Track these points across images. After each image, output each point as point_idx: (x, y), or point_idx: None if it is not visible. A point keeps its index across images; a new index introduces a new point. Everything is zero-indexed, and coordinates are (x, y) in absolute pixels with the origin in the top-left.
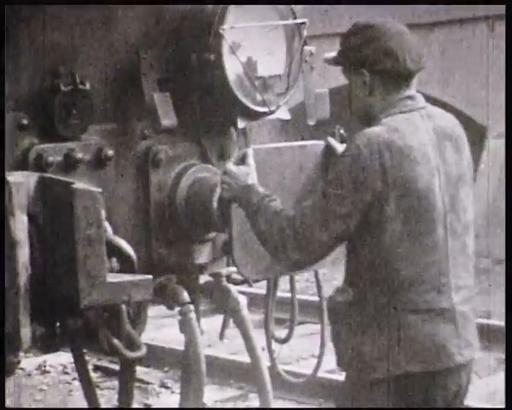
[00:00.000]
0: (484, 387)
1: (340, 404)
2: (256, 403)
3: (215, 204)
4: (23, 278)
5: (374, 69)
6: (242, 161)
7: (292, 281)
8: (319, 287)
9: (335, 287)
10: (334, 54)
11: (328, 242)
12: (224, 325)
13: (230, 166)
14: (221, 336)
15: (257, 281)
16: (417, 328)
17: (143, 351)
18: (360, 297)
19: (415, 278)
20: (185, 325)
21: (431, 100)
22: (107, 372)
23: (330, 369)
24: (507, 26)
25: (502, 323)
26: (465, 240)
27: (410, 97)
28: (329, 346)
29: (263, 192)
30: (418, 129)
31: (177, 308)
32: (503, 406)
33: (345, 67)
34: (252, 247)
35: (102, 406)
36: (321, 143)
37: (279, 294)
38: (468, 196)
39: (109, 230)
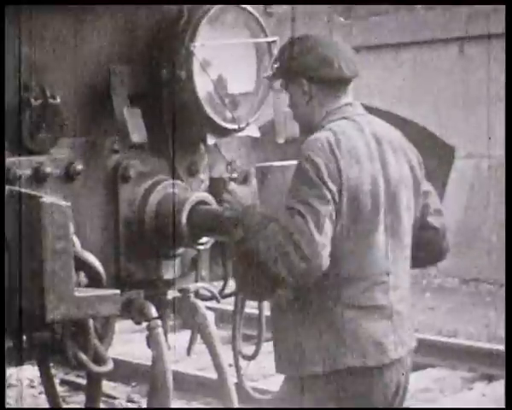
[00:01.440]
0: (449, 405)
1: (278, 404)
2: None
3: (184, 220)
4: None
5: (311, 77)
6: (245, 180)
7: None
8: None
9: None
10: (270, 71)
11: (325, 243)
12: (192, 341)
13: (233, 185)
14: (188, 351)
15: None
16: (357, 323)
17: (110, 366)
18: (301, 292)
19: (357, 274)
20: (152, 341)
21: (400, 120)
22: (73, 386)
23: None
24: (507, 27)
25: (468, 342)
26: (404, 241)
27: (350, 104)
28: None
29: (263, 213)
30: (361, 133)
31: (145, 323)
32: None
33: (283, 78)
34: (252, 267)
35: None
36: None
37: (247, 310)
38: (410, 199)
39: (77, 244)
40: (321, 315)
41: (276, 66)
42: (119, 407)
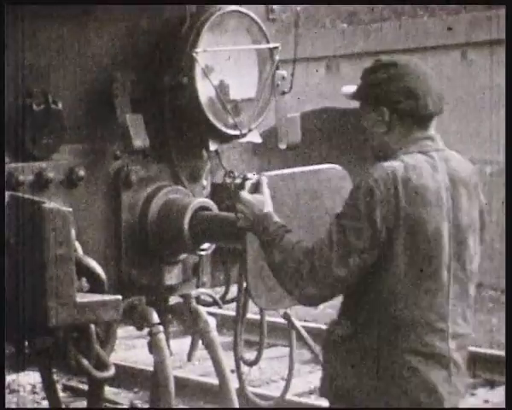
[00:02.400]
0: None
1: None
2: None
3: (186, 226)
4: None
5: (394, 108)
6: (256, 188)
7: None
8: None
9: (332, 319)
10: (353, 88)
11: (345, 277)
12: (193, 347)
13: (245, 194)
14: (189, 357)
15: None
16: (413, 369)
17: (112, 371)
18: (358, 333)
19: (415, 319)
20: (154, 346)
21: None
22: (75, 392)
23: (299, 392)
24: (507, 27)
25: (470, 348)
26: (467, 288)
27: (430, 138)
28: (298, 369)
29: (279, 222)
30: (435, 171)
31: (147, 329)
32: None
33: (364, 102)
34: (266, 276)
35: None
36: (335, 166)
37: (248, 316)
38: (476, 244)
39: (79, 249)
40: (375, 358)
41: (358, 87)
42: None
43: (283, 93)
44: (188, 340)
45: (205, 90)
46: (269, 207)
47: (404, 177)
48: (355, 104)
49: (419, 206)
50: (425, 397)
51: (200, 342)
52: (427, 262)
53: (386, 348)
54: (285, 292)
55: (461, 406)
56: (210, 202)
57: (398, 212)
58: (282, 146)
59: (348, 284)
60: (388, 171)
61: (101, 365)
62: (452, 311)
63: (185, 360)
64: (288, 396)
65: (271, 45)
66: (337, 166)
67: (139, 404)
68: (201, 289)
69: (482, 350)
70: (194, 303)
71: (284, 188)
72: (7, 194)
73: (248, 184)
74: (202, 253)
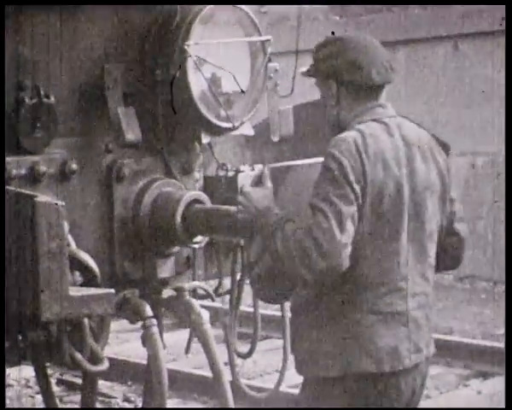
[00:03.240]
0: (445, 402)
1: (299, 405)
2: None
3: (179, 219)
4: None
5: (340, 80)
6: (259, 181)
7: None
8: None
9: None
10: (306, 67)
11: (346, 242)
12: (191, 339)
13: (247, 188)
14: (186, 350)
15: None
16: (374, 329)
17: (106, 365)
18: (321, 293)
19: (376, 279)
20: (148, 340)
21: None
22: (69, 386)
23: (293, 384)
24: (507, 26)
25: (463, 339)
26: (426, 248)
27: (381, 106)
28: (292, 360)
29: (280, 214)
30: (390, 136)
31: (140, 322)
32: None
33: (314, 77)
34: (268, 270)
35: None
36: None
37: (242, 308)
38: (435, 205)
39: (72, 243)
40: (338, 319)
41: (310, 65)
42: (116, 406)
43: (283, 97)
44: (181, 333)
45: (197, 83)
46: (271, 201)
47: (362, 143)
48: None
49: (380, 170)
50: (386, 356)
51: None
52: (389, 223)
53: (350, 308)
54: (292, 285)
55: (455, 397)
56: (203, 195)
57: (365, 176)
58: (275, 139)
59: (348, 250)
60: (349, 140)
61: (95, 358)
62: (411, 270)
63: (179, 353)
64: (282, 388)
65: (263, 38)
66: None
67: (133, 397)
68: (195, 282)
69: (475, 341)
70: (187, 296)
71: (286, 180)
72: None
73: (251, 175)
74: (195, 246)
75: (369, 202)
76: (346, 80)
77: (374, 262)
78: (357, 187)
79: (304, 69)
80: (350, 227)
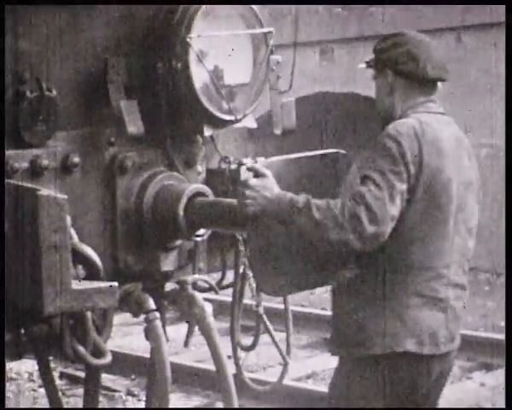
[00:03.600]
0: (448, 395)
1: (332, 387)
2: None
3: (181, 212)
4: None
5: (396, 69)
6: (257, 173)
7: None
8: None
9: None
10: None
11: (395, 215)
12: (189, 333)
13: (252, 180)
14: (186, 343)
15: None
16: (418, 311)
17: (109, 358)
18: (369, 274)
19: (424, 263)
20: (150, 333)
21: None
22: (72, 380)
23: (296, 377)
24: (507, 26)
25: (466, 331)
26: (467, 242)
27: (433, 101)
28: (295, 353)
29: (291, 197)
30: (444, 127)
31: (143, 316)
32: None
33: (373, 68)
34: (272, 263)
35: None
36: (339, 151)
37: (245, 302)
38: (475, 203)
39: (75, 237)
40: (385, 299)
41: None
42: (119, 400)
43: (281, 92)
44: (184, 326)
45: (199, 76)
46: (277, 188)
47: (420, 129)
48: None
49: (435, 156)
50: (427, 338)
51: (197, 328)
52: (439, 210)
53: (396, 290)
54: (293, 277)
55: (458, 390)
56: (205, 188)
57: (421, 160)
58: (277, 131)
59: (394, 222)
60: (408, 125)
61: (98, 352)
62: (454, 260)
63: (182, 347)
64: (286, 381)
65: (265, 30)
66: (341, 151)
67: (136, 391)
68: (197, 275)
69: (478, 333)
70: (190, 289)
71: (288, 173)
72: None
73: (244, 169)
74: (198, 239)
75: (423, 185)
76: (403, 70)
77: (423, 246)
78: (412, 168)
79: (362, 64)
80: (399, 202)
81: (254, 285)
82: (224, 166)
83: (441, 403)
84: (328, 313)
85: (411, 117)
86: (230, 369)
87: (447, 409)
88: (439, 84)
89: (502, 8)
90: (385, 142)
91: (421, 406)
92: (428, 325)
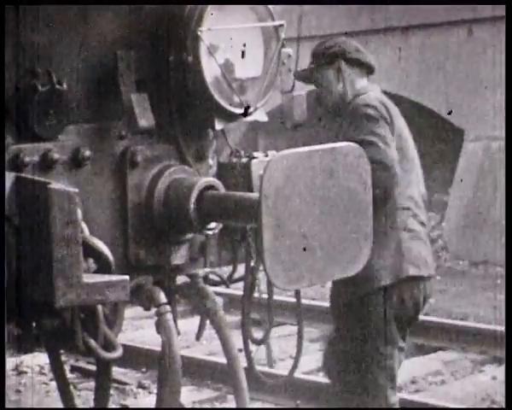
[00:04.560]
0: (460, 388)
1: (337, 322)
2: (234, 404)
3: (192, 205)
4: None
5: (347, 59)
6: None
7: (270, 283)
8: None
9: None
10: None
11: (396, 156)
12: (201, 326)
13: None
14: (198, 337)
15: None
16: (409, 243)
17: (120, 352)
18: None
19: (404, 204)
20: (162, 326)
21: (409, 103)
22: (84, 373)
23: (307, 370)
24: (507, 26)
25: (477, 325)
26: (423, 188)
27: (375, 83)
28: (306, 346)
29: None
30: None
31: (154, 309)
32: (485, 405)
33: (321, 62)
34: (283, 256)
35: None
36: (351, 144)
37: (255, 295)
38: (418, 160)
39: (86, 230)
40: (381, 237)
41: (313, 58)
42: (130, 393)
43: (289, 71)
44: (195, 320)
45: (210, 69)
46: None
47: (381, 98)
48: None
49: (396, 118)
50: (421, 263)
51: (208, 321)
52: (407, 160)
53: (388, 229)
54: (304, 270)
55: (470, 383)
56: (216, 181)
57: (391, 118)
58: (288, 125)
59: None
60: (371, 96)
61: (109, 345)
62: (420, 204)
63: (193, 340)
64: (297, 374)
65: (276, 23)
66: (353, 144)
67: (147, 384)
68: (208, 269)
69: (490, 327)
70: (201, 283)
71: (300, 166)
72: (12, 175)
73: (255, 162)
74: (209, 232)
75: (396, 141)
76: (353, 58)
77: (402, 190)
78: (389, 124)
79: (300, 73)
80: (393, 146)
81: (265, 279)
82: (234, 159)
83: (452, 395)
84: None
85: (365, 95)
86: (241, 362)
87: (443, 409)
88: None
89: None
90: (363, 110)
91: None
92: (419, 252)
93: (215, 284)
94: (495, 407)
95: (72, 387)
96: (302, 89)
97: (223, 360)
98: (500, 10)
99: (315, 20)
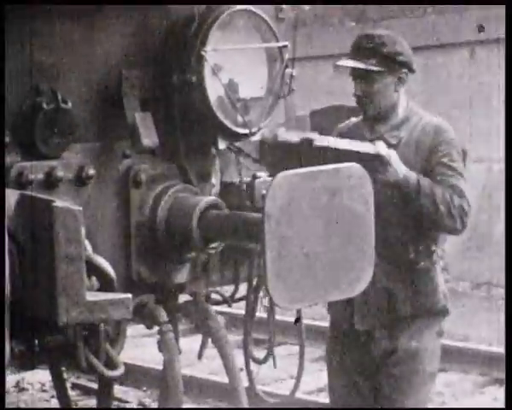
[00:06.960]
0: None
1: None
2: None
3: (195, 225)
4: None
5: (411, 69)
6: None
7: (271, 301)
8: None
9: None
10: (351, 62)
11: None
12: (203, 345)
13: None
14: (199, 355)
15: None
16: (438, 277)
17: (122, 370)
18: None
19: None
20: (163, 345)
21: None
22: (85, 391)
23: (308, 390)
24: (507, 26)
25: (478, 346)
26: None
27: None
28: (307, 367)
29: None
30: None
31: (156, 328)
32: None
33: (382, 66)
34: (286, 276)
35: None
36: (354, 165)
37: (258, 314)
38: None
39: (89, 248)
40: (431, 271)
41: (375, 58)
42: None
43: (280, 97)
44: (197, 338)
45: (214, 89)
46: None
47: None
48: None
49: None
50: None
51: (210, 340)
52: None
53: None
54: (307, 289)
55: (471, 405)
56: (219, 201)
57: None
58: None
59: None
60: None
61: (111, 363)
62: None
63: (194, 359)
64: (298, 394)
65: (280, 44)
66: (356, 165)
67: (147, 402)
68: (210, 288)
69: (492, 349)
70: (203, 302)
71: (304, 186)
72: (17, 193)
73: (258, 182)
74: (211, 251)
75: None
76: (413, 69)
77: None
78: None
79: (346, 63)
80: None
81: (267, 299)
82: (236, 179)
83: None
84: None
85: (421, 111)
86: (243, 382)
87: (443, 409)
88: None
89: None
90: (454, 144)
91: None
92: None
93: (217, 303)
94: None
95: (73, 404)
96: (305, 109)
97: (224, 379)
98: (502, 32)
99: (318, 40)
